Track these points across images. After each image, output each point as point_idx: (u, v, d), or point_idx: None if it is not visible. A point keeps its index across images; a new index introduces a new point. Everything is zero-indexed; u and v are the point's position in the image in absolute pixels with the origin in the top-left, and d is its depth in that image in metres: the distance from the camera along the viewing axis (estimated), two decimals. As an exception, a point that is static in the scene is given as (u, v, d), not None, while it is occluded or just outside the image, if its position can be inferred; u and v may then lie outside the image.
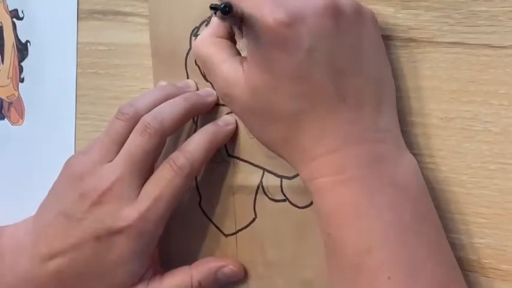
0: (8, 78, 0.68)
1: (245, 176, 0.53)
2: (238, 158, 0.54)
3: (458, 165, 0.45)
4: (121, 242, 0.50)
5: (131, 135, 0.51)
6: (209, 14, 0.54)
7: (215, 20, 0.49)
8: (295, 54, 0.42)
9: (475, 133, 0.44)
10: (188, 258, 0.54)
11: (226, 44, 0.48)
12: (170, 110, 0.52)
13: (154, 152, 0.51)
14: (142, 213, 0.50)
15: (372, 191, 0.42)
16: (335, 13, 0.43)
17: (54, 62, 0.64)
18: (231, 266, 0.54)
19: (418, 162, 0.45)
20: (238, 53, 0.48)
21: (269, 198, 0.53)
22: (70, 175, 0.53)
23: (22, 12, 0.66)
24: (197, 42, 0.49)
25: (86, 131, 0.63)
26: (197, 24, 0.54)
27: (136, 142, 0.51)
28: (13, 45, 0.67)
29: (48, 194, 0.55)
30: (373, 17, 0.46)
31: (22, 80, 0.67)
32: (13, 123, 0.68)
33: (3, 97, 0.69)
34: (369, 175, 0.43)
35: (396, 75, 0.46)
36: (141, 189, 0.51)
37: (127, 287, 0.52)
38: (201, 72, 0.55)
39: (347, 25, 0.43)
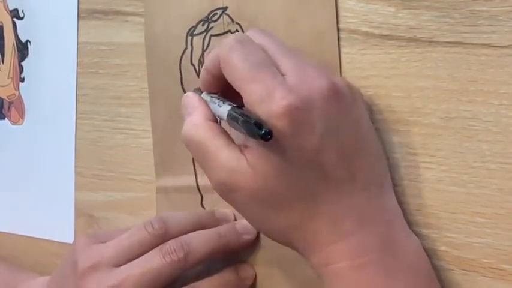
0: (8, 78, 0.68)
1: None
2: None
3: (458, 165, 0.45)
4: None
5: (154, 250, 0.50)
6: (206, 14, 0.54)
7: (204, 102, 0.46)
8: (309, 140, 0.41)
9: (475, 133, 0.44)
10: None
11: (221, 130, 0.45)
12: (200, 243, 0.50)
13: (167, 278, 0.50)
14: None
15: (387, 274, 0.42)
16: (337, 94, 0.42)
17: (54, 62, 0.64)
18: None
19: (418, 162, 0.45)
20: (233, 140, 0.45)
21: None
22: (74, 264, 0.51)
23: (22, 11, 0.66)
24: (190, 126, 0.46)
25: (86, 131, 0.63)
26: (194, 24, 0.54)
27: (155, 260, 0.50)
28: (13, 44, 0.67)
29: (56, 270, 0.54)
30: (361, 94, 0.46)
31: (22, 80, 0.67)
32: (13, 123, 0.68)
33: (4, 97, 0.69)
34: (384, 259, 0.42)
35: (396, 75, 0.46)
36: None
37: None
38: (196, 73, 0.55)
39: (347, 105, 0.43)
